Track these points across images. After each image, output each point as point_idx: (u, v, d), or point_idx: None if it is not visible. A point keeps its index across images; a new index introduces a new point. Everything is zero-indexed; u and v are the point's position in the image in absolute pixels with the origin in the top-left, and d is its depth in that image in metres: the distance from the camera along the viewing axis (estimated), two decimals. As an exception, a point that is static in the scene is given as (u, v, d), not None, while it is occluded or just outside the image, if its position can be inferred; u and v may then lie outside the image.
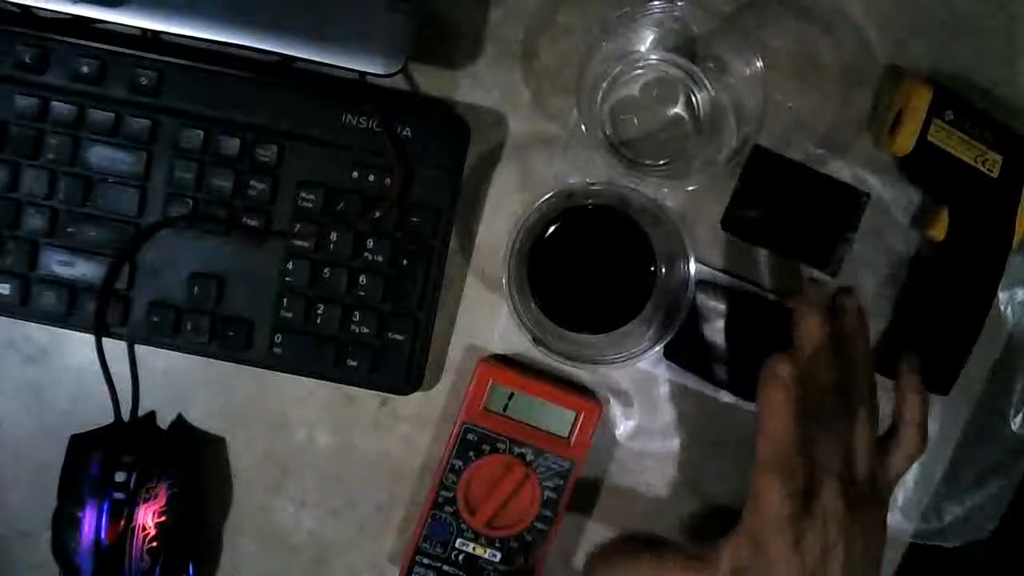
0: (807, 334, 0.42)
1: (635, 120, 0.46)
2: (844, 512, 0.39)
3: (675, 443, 0.48)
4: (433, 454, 0.48)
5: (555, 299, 0.44)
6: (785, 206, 0.47)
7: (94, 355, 0.45)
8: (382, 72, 0.42)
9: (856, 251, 0.47)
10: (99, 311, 0.44)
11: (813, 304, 0.43)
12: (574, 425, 0.46)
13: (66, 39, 0.44)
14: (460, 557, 0.46)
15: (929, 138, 0.44)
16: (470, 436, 0.46)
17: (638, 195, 0.41)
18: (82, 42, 0.44)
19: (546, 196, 0.41)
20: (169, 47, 0.44)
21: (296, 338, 0.45)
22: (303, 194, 0.45)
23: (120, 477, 0.44)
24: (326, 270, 0.45)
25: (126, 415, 0.46)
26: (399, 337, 0.45)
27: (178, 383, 0.47)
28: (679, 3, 0.41)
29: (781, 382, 0.40)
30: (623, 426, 0.48)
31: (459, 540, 0.46)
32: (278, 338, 0.45)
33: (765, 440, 0.39)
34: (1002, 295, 0.47)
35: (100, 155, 0.44)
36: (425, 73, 0.47)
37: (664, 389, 0.48)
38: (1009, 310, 0.48)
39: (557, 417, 0.46)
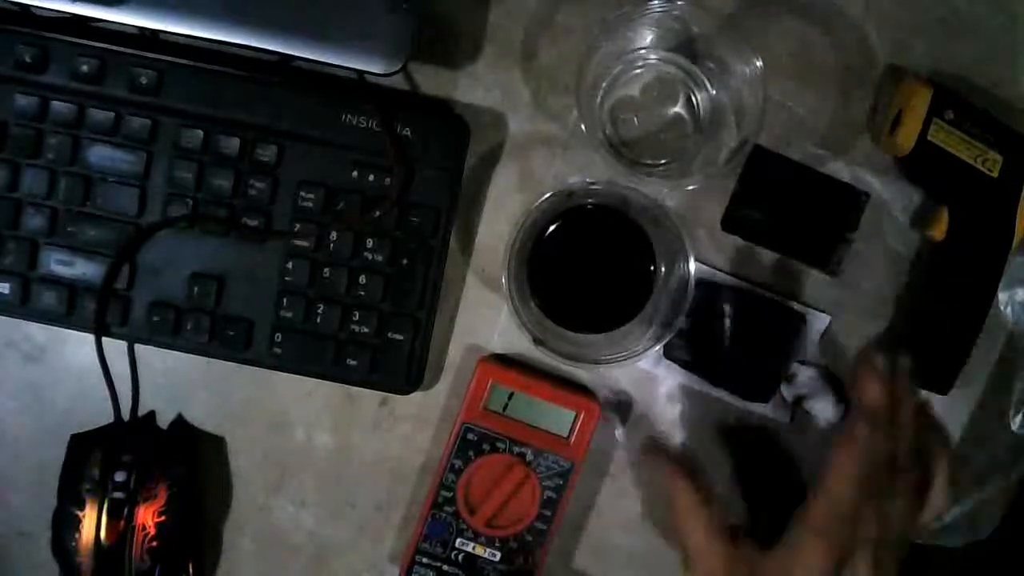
0: (872, 401, 0.41)
1: (635, 120, 0.46)
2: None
3: (675, 443, 0.48)
4: (433, 454, 0.48)
5: (555, 299, 0.44)
6: (785, 206, 0.47)
7: (94, 355, 0.45)
8: (382, 72, 0.42)
9: (856, 251, 0.47)
10: (99, 311, 0.44)
11: (877, 372, 0.42)
12: (574, 425, 0.46)
13: (66, 38, 0.44)
14: (460, 557, 0.46)
15: (929, 138, 0.44)
16: (470, 436, 0.46)
17: (638, 195, 0.41)
18: (82, 41, 0.44)
19: (546, 196, 0.41)
20: (169, 46, 0.44)
21: (296, 338, 0.45)
22: (303, 194, 0.45)
23: (120, 477, 0.43)
24: (326, 270, 0.45)
25: (126, 415, 0.46)
26: (399, 337, 0.45)
27: (178, 383, 0.47)
28: (679, 3, 0.41)
29: (858, 445, 0.40)
30: (623, 426, 0.48)
31: (459, 540, 0.46)
32: (278, 338, 0.45)
33: (824, 497, 0.39)
34: (1002, 295, 0.47)
35: (100, 155, 0.44)
36: (425, 73, 0.47)
37: (664, 389, 0.48)
38: (1009, 310, 0.48)
39: (557, 417, 0.46)
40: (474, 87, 0.47)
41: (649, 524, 0.48)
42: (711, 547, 0.41)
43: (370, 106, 0.44)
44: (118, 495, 0.43)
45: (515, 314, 0.41)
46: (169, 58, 0.44)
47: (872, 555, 0.39)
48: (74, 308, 0.45)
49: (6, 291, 0.44)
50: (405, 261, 0.45)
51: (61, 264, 0.45)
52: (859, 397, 0.42)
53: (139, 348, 0.47)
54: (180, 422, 0.47)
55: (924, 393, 0.47)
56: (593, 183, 0.43)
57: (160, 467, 0.45)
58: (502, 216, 0.47)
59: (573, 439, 0.46)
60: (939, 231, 0.45)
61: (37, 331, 0.47)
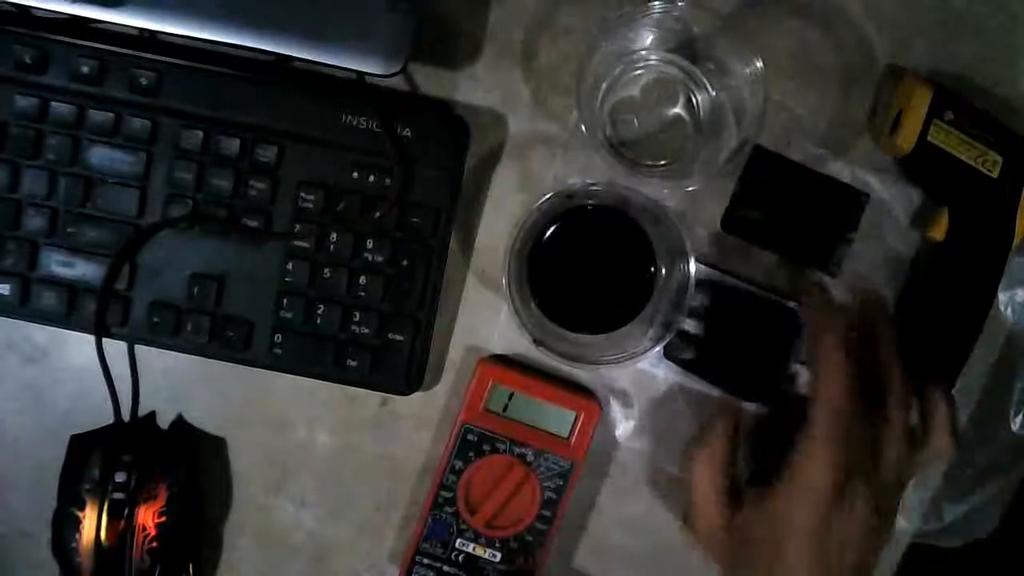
0: (821, 328, 0.42)
1: (635, 121, 0.46)
2: (871, 515, 0.39)
3: (675, 443, 0.48)
4: (433, 454, 0.48)
5: (555, 299, 0.44)
6: (785, 206, 0.47)
7: (94, 355, 0.45)
8: (382, 72, 0.42)
9: (856, 251, 0.47)
10: (99, 311, 0.44)
11: (816, 306, 0.43)
12: (574, 425, 0.46)
13: (65, 39, 0.44)
14: (460, 557, 0.46)
15: (929, 138, 0.44)
16: (470, 436, 0.46)
17: (638, 195, 0.41)
18: (81, 42, 0.44)
19: (546, 196, 0.41)
20: (168, 47, 0.44)
21: (296, 338, 0.45)
22: (303, 194, 0.45)
23: (120, 477, 0.44)
24: (326, 270, 0.45)
25: (126, 415, 0.46)
26: (399, 337, 0.45)
27: (178, 383, 0.47)
28: (679, 3, 0.41)
29: (835, 340, 0.40)
30: (623, 426, 0.48)
31: (459, 540, 0.46)
32: (278, 338, 0.45)
33: (824, 405, 0.39)
34: (1002, 295, 0.47)
35: (100, 155, 0.44)
36: (425, 73, 0.47)
37: (664, 389, 0.48)
38: (1009, 310, 0.48)
39: (557, 417, 0.46)
40: (474, 87, 0.47)
41: (648, 522, 0.48)
42: (714, 507, 0.42)
43: (370, 106, 0.44)
44: (118, 495, 0.43)
45: (515, 314, 0.41)
46: (169, 59, 0.44)
47: (869, 492, 0.39)
48: (74, 309, 0.45)
49: (6, 292, 0.44)
50: (405, 261, 0.45)
51: (61, 265, 0.45)
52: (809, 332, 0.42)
53: (139, 348, 0.47)
54: (180, 422, 0.47)
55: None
56: (593, 183, 0.43)
57: (160, 467, 0.45)
58: (502, 216, 0.47)
59: (573, 439, 0.46)
60: (939, 231, 0.45)
61: (37, 332, 0.47)
